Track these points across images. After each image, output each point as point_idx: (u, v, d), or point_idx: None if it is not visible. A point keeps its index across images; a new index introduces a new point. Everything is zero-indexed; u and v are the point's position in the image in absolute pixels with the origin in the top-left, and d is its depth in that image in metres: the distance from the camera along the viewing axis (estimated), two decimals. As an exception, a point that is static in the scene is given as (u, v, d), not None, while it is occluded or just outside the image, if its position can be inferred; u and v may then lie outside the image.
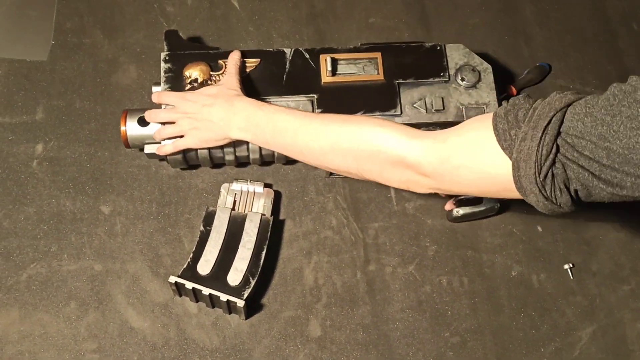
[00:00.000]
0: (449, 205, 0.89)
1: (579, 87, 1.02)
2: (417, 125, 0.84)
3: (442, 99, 0.88)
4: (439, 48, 0.91)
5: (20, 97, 0.96)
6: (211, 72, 0.88)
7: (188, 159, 0.88)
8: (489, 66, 0.90)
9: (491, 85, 0.89)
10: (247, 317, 0.84)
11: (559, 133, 0.56)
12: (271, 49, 0.91)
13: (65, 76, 0.98)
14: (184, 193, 0.92)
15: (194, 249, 0.84)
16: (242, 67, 0.89)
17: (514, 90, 1.00)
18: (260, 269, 0.82)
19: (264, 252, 0.83)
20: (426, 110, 0.87)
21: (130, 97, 0.98)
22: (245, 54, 0.90)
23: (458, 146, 0.63)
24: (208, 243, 0.83)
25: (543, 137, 0.55)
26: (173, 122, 0.83)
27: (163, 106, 0.86)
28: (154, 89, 0.89)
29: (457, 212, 0.88)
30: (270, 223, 0.85)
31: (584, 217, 0.91)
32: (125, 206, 0.91)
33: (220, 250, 0.83)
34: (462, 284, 0.88)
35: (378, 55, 0.90)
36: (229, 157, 0.88)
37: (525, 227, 0.92)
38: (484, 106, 0.88)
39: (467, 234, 0.91)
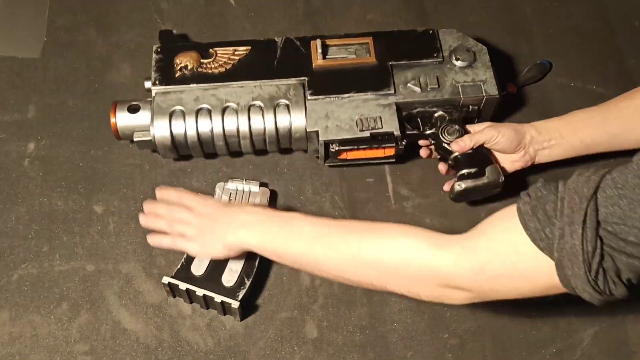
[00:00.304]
0: (447, 186, 0.88)
1: (580, 84, 1.01)
2: (412, 104, 0.87)
3: (437, 77, 0.87)
4: (431, 32, 0.91)
5: (12, 94, 0.95)
6: (201, 60, 0.88)
7: (179, 148, 0.87)
8: (484, 47, 0.90)
9: (487, 64, 0.89)
10: (242, 319, 0.83)
11: (598, 224, 0.53)
12: (262, 38, 0.91)
13: (58, 74, 0.97)
14: (178, 192, 0.91)
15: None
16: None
17: (514, 88, 0.99)
18: (255, 270, 0.81)
19: None
20: (421, 88, 0.87)
21: (123, 95, 0.97)
22: (235, 44, 0.91)
23: (490, 254, 0.59)
24: None
25: (584, 233, 0.52)
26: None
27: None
28: (146, 83, 0.88)
29: (459, 185, 0.83)
30: None
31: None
32: (119, 206, 0.90)
33: None
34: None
35: (369, 40, 0.90)
36: (219, 143, 0.86)
37: (525, 227, 0.90)
38: (481, 83, 0.87)
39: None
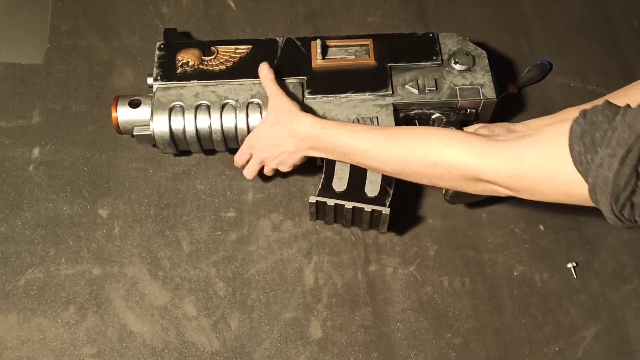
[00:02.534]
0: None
1: (580, 85, 1.04)
2: (409, 106, 0.90)
3: (435, 80, 0.90)
4: (431, 35, 0.94)
5: (16, 100, 0.98)
6: (203, 57, 0.92)
7: (177, 143, 0.90)
8: (484, 52, 0.93)
9: (486, 69, 0.92)
10: (387, 229, 0.85)
11: (639, 161, 0.55)
12: (264, 38, 0.95)
13: (61, 79, 1.00)
14: (182, 195, 0.94)
15: (324, 170, 0.85)
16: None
17: (514, 89, 1.02)
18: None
19: None
20: (419, 90, 0.90)
21: (126, 100, 1.00)
22: (237, 43, 0.94)
23: (532, 164, 0.63)
24: (337, 162, 0.84)
25: (621, 168, 0.55)
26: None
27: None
28: (148, 80, 0.91)
29: (449, 194, 0.90)
30: None
31: (586, 216, 0.93)
32: (123, 209, 0.93)
33: (350, 166, 0.84)
34: (463, 284, 0.89)
35: (369, 41, 0.93)
36: (218, 139, 0.90)
37: (527, 226, 0.93)
38: (479, 86, 0.90)
39: (468, 234, 0.93)
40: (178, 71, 0.91)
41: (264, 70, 0.88)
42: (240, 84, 0.90)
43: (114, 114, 0.89)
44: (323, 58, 0.92)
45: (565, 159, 0.59)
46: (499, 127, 0.86)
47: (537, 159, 0.62)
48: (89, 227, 0.92)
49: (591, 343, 0.86)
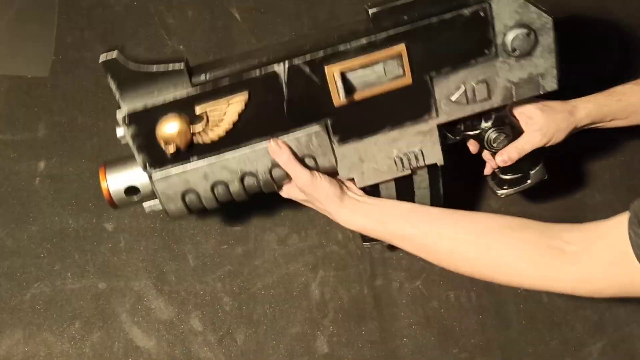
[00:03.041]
0: (488, 169, 0.85)
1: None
2: (456, 122, 0.76)
3: (487, 83, 0.71)
4: (482, 14, 0.68)
5: (22, 113, 0.98)
6: (191, 126, 0.68)
7: (197, 213, 0.79)
8: (549, 19, 0.69)
9: (550, 47, 0.70)
10: None
11: None
12: (257, 73, 0.67)
13: (67, 92, 1.01)
14: (188, 209, 0.95)
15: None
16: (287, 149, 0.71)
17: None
18: None
19: None
20: (467, 101, 0.72)
21: (132, 112, 1.01)
22: (224, 89, 0.67)
23: (605, 285, 0.62)
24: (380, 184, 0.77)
25: None
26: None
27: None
28: (118, 131, 0.71)
29: (500, 193, 0.84)
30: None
31: (583, 212, 0.94)
32: (129, 223, 0.93)
33: (395, 186, 0.77)
34: (469, 299, 0.90)
35: (401, 48, 0.68)
36: (238, 191, 0.74)
37: (533, 240, 0.94)
38: (539, 77, 0.72)
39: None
40: (169, 152, 0.69)
41: (283, 155, 0.70)
42: (252, 150, 0.71)
43: (104, 185, 0.73)
44: (347, 95, 0.70)
45: (629, 260, 0.58)
46: (555, 127, 0.79)
47: (597, 265, 0.61)
48: (94, 240, 0.92)
49: (598, 358, 0.87)
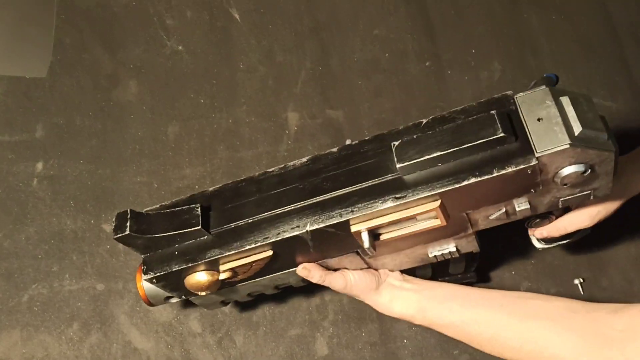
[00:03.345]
0: (538, 233, 0.79)
1: (587, 98, 1.04)
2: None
3: (530, 203, 0.63)
4: (529, 172, 0.57)
5: (20, 114, 0.98)
6: (220, 277, 0.68)
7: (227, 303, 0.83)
8: (611, 154, 0.57)
9: (609, 172, 0.60)
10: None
11: None
12: (281, 235, 0.65)
13: (65, 93, 1.01)
14: (187, 210, 0.95)
15: None
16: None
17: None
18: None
19: None
20: (508, 216, 0.66)
21: (130, 113, 1.01)
22: (246, 250, 0.66)
23: None
24: None
25: None
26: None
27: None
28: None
29: (538, 247, 0.82)
30: None
31: (593, 233, 0.93)
32: (127, 224, 0.93)
33: None
34: (470, 300, 0.89)
35: (435, 205, 0.60)
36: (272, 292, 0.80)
37: (534, 242, 0.94)
38: (592, 191, 0.63)
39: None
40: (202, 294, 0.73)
41: (314, 278, 0.72)
42: (284, 272, 0.73)
43: (140, 284, 0.75)
44: (372, 245, 0.64)
45: None
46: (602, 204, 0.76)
47: None
48: (93, 242, 0.92)
49: None
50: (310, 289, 0.89)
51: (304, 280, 0.75)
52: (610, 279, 0.91)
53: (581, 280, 0.90)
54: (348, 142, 0.68)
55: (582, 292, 0.90)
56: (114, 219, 0.67)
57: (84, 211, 0.94)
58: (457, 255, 0.72)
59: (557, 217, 0.74)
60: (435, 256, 0.72)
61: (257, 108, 1.03)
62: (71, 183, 0.95)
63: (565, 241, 0.79)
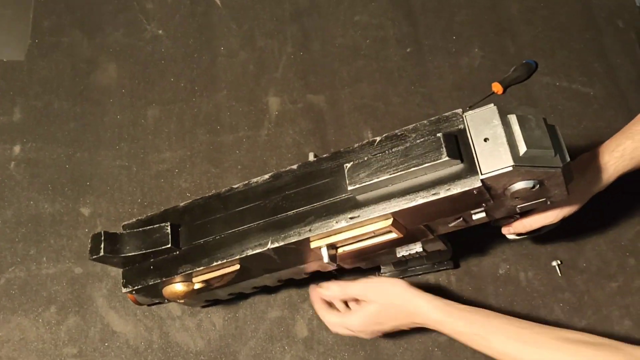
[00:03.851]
0: (505, 229, 0.81)
1: (565, 84, 1.05)
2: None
3: (487, 212, 0.66)
4: (475, 192, 0.59)
5: (-3, 97, 0.98)
6: (195, 287, 0.73)
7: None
8: (558, 170, 0.59)
9: (560, 184, 0.62)
10: None
11: None
12: (245, 252, 0.68)
13: (43, 76, 1.00)
14: (166, 193, 0.95)
15: None
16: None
17: (500, 88, 1.03)
18: None
19: None
20: (467, 223, 0.69)
21: (110, 97, 1.00)
22: (215, 265, 0.70)
23: None
24: None
25: None
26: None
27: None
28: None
29: (510, 238, 0.83)
30: None
31: (570, 216, 0.95)
32: (106, 207, 0.93)
33: None
34: (449, 282, 0.90)
35: (389, 223, 0.64)
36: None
37: (512, 225, 0.95)
38: (547, 198, 0.66)
39: (454, 232, 0.94)
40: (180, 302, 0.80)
41: (326, 291, 0.77)
42: (259, 278, 0.79)
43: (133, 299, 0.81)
44: (333, 259, 0.69)
45: None
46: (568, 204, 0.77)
47: None
48: (70, 225, 0.92)
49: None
50: (290, 271, 0.89)
51: (279, 280, 0.80)
52: (588, 261, 0.92)
53: (559, 262, 0.92)
54: (311, 156, 0.71)
55: (559, 274, 0.91)
56: (89, 241, 0.71)
57: (62, 194, 0.93)
58: (424, 254, 0.75)
59: (521, 217, 0.76)
60: (403, 256, 0.75)
61: (237, 92, 1.03)
62: (49, 166, 0.95)
63: (534, 234, 0.81)
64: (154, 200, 0.94)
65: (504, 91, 1.04)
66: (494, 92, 1.03)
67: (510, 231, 0.80)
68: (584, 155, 0.78)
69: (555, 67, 1.07)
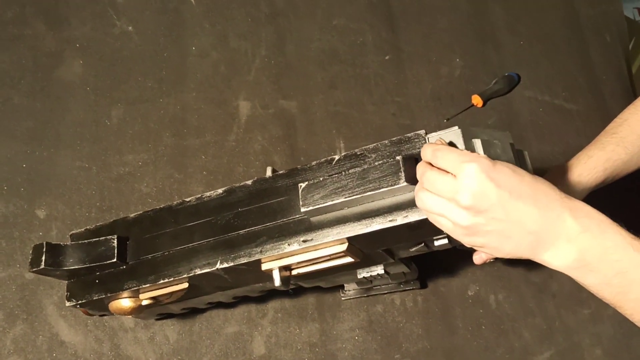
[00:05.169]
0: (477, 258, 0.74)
1: (548, 99, 1.03)
2: None
3: (448, 238, 0.64)
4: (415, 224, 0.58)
5: (-48, 90, 0.94)
6: (142, 303, 0.70)
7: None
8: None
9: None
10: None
11: None
12: (193, 271, 0.65)
13: (3, 70, 0.97)
14: (126, 198, 0.92)
15: None
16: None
17: (480, 101, 1.00)
18: None
19: None
20: (429, 248, 0.67)
21: (73, 94, 0.97)
22: (163, 283, 0.67)
23: None
24: None
25: None
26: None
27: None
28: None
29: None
30: None
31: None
32: (63, 210, 0.90)
33: None
34: (415, 303, 0.88)
35: (344, 248, 0.60)
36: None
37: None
38: None
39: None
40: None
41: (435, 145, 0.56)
42: (211, 295, 0.75)
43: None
44: (285, 283, 0.65)
45: None
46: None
47: None
48: (24, 228, 0.89)
49: (544, 368, 0.86)
50: (250, 285, 0.86)
51: (234, 297, 0.78)
52: (560, 285, 0.90)
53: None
54: (269, 170, 0.68)
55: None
56: (30, 252, 0.68)
57: (17, 195, 0.90)
58: (386, 276, 0.72)
59: None
60: (364, 277, 0.72)
61: (207, 94, 1.00)
62: (4, 164, 0.92)
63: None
64: (112, 204, 0.91)
65: (484, 104, 1.01)
66: (473, 105, 1.00)
67: (482, 259, 0.72)
68: (554, 168, 0.75)
69: (538, 81, 1.05)
